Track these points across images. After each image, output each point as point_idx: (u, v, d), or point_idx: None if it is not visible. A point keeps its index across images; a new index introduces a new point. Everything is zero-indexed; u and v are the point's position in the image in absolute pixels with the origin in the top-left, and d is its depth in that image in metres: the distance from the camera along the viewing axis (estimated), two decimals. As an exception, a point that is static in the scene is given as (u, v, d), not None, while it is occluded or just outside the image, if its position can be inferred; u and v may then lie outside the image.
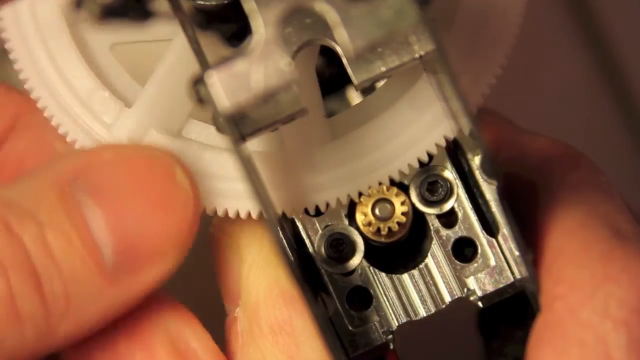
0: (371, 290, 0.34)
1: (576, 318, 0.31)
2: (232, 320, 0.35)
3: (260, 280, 0.33)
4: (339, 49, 0.29)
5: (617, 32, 0.58)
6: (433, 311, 0.34)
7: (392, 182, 0.34)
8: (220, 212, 0.33)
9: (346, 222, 0.34)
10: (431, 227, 0.35)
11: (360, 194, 0.33)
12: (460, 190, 0.35)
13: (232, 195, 0.33)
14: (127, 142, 0.33)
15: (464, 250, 0.35)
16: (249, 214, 0.33)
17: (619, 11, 0.58)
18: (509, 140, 0.37)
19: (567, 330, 0.31)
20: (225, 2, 0.31)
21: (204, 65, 0.30)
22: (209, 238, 0.36)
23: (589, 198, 0.34)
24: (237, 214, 0.33)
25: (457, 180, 0.35)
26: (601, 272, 0.31)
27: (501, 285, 0.34)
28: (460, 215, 0.35)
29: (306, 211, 0.33)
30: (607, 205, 0.34)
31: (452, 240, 0.35)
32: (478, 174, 0.34)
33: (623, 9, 0.58)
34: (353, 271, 0.34)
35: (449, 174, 0.35)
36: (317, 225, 0.34)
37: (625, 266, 0.32)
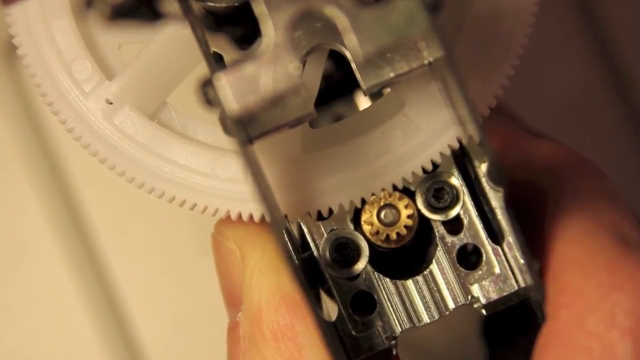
0: (375, 296, 0.34)
1: (582, 327, 0.31)
2: (233, 325, 0.35)
3: (263, 285, 0.33)
4: (348, 54, 0.29)
5: (625, 37, 0.58)
6: (437, 318, 0.34)
7: (398, 188, 0.34)
8: (222, 215, 0.33)
9: (352, 226, 0.34)
10: (436, 234, 0.35)
11: (364, 200, 0.33)
12: (466, 197, 0.34)
13: (235, 197, 0.33)
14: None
15: (468, 258, 0.35)
16: (252, 217, 0.33)
17: (628, 16, 0.58)
18: (514, 146, 0.37)
19: (574, 340, 0.31)
20: (236, 4, 0.31)
21: (213, 67, 0.30)
22: (211, 241, 0.36)
23: (594, 205, 0.34)
24: (239, 217, 0.33)
25: (463, 187, 0.34)
26: (607, 281, 0.31)
27: (505, 293, 0.34)
28: (465, 222, 0.35)
29: (315, 215, 0.33)
30: (612, 212, 0.34)
31: (457, 247, 0.35)
32: (484, 181, 0.34)
33: (632, 14, 0.58)
34: (357, 276, 0.34)
35: (455, 180, 0.34)
36: (323, 229, 0.34)
37: (631, 274, 0.31)
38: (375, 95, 0.35)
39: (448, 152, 0.33)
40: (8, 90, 0.56)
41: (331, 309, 0.35)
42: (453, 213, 0.34)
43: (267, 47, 0.28)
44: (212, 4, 0.31)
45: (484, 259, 0.35)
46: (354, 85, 0.31)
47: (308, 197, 0.33)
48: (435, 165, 0.34)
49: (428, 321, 0.34)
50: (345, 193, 0.33)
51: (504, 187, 0.32)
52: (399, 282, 0.34)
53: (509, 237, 0.34)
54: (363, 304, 0.34)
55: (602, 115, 0.58)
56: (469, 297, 0.34)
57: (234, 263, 0.35)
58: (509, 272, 0.34)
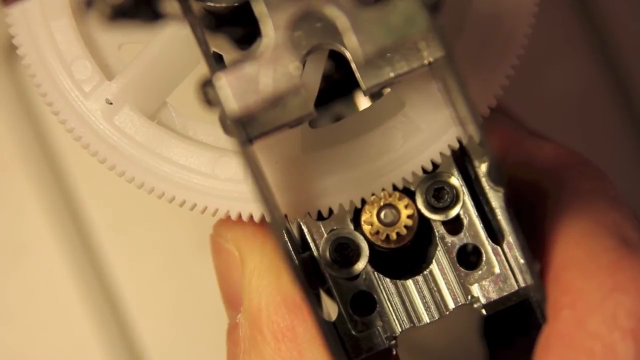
0: (375, 295, 0.34)
1: (584, 328, 0.31)
2: (233, 326, 0.34)
3: (263, 287, 0.33)
4: (348, 54, 0.29)
5: (625, 37, 0.58)
6: (436, 318, 0.34)
7: (398, 188, 0.34)
8: (222, 215, 0.33)
9: (351, 226, 0.34)
10: (436, 234, 0.35)
11: (364, 200, 0.33)
12: (466, 197, 0.34)
13: (235, 197, 0.33)
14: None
15: (468, 257, 0.35)
16: (251, 217, 0.33)
17: (628, 16, 0.58)
18: (516, 147, 0.37)
19: (575, 340, 0.31)
20: (236, 4, 0.31)
21: (213, 67, 0.30)
22: (210, 242, 0.36)
23: (595, 206, 0.34)
24: (239, 217, 0.33)
25: (463, 187, 0.34)
26: (609, 282, 0.31)
27: (505, 293, 0.34)
28: (465, 222, 0.35)
29: (315, 215, 0.33)
30: (614, 213, 0.34)
31: (457, 247, 0.35)
32: (484, 181, 0.34)
33: (632, 14, 0.58)
34: (357, 276, 0.34)
35: (455, 180, 0.34)
36: (323, 229, 0.34)
37: (633, 275, 0.31)
38: (375, 95, 0.35)
39: (448, 152, 0.33)
40: (8, 90, 0.56)
41: (331, 309, 0.35)
42: (453, 213, 0.34)
43: (267, 47, 0.28)
44: (212, 4, 0.31)
45: (484, 259, 0.35)
46: (354, 85, 0.31)
47: (308, 197, 0.33)
48: (435, 165, 0.34)
49: (428, 321, 0.34)
50: (345, 193, 0.33)
51: (504, 187, 0.32)
52: (399, 282, 0.34)
53: (509, 237, 0.34)
54: (363, 304, 0.34)
55: (602, 116, 0.58)
56: (469, 297, 0.34)
57: (233, 265, 0.35)
58: (509, 272, 0.34)
